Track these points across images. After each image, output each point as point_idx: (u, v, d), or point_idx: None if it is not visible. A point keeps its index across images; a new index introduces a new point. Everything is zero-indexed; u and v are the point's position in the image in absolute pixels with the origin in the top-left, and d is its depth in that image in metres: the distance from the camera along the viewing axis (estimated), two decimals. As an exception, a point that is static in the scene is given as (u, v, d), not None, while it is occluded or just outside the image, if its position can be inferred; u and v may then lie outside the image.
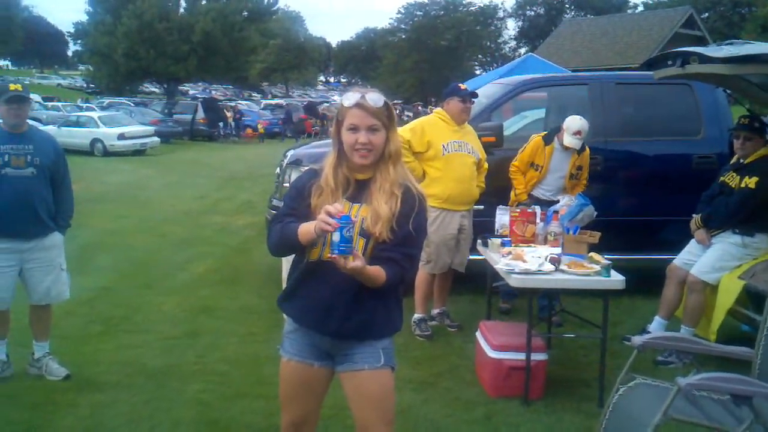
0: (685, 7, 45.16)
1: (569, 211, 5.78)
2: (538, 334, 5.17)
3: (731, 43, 5.03)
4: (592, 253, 5.05)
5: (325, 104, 44.75)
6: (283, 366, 2.98)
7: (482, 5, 73.60)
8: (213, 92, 69.51)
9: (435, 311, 6.52)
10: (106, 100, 43.89)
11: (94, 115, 28.09)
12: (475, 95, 6.37)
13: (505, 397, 4.91)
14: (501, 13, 76.45)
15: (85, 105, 39.50)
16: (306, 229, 2.68)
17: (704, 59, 4.94)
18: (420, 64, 66.34)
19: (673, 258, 5.99)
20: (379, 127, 2.72)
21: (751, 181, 5.46)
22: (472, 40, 70.67)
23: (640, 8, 66.40)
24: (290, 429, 3.04)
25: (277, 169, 8.30)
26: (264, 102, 51.68)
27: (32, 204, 4.86)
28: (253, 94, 73.97)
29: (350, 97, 2.75)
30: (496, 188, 6.63)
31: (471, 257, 6.33)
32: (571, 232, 5.42)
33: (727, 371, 3.22)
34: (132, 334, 6.26)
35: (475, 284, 6.78)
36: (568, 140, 6.37)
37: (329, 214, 2.53)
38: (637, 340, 3.64)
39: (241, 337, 6.23)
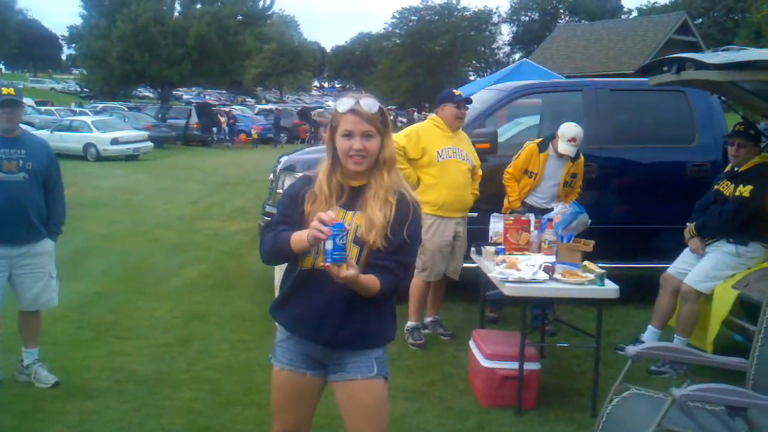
0: (679, 13, 45.33)
1: (563, 218, 5.75)
2: (531, 343, 5.14)
3: (727, 49, 5.02)
4: (586, 262, 5.02)
5: (318, 110, 44.71)
6: (275, 375, 2.95)
7: (477, 10, 73.85)
8: (207, 97, 69.44)
9: (428, 319, 6.49)
10: (100, 105, 43.82)
11: (88, 119, 28.06)
12: (470, 101, 6.36)
13: (498, 407, 4.89)
14: (495, 19, 76.57)
15: (78, 109, 39.37)
16: (298, 238, 2.64)
17: (700, 65, 4.94)
18: (414, 69, 66.38)
19: (667, 267, 5.97)
20: (373, 133, 2.69)
21: (745, 190, 5.44)
22: (467, 46, 70.74)
23: (635, 14, 66.69)
24: (282, 438, 3.00)
25: (271, 175, 8.27)
26: (258, 107, 51.63)
27: (24, 209, 4.82)
28: (248, 99, 73.91)
29: (344, 103, 2.72)
30: (491, 195, 6.61)
31: (464, 265, 6.31)
32: (565, 240, 5.39)
33: (720, 382, 3.20)
34: (123, 341, 6.22)
35: (468, 292, 6.76)
36: (563, 147, 6.35)
37: (322, 222, 2.50)
38: (631, 350, 3.62)
39: (233, 343, 6.20)
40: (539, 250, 5.35)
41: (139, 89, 63.19)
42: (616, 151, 7.41)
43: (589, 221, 6.02)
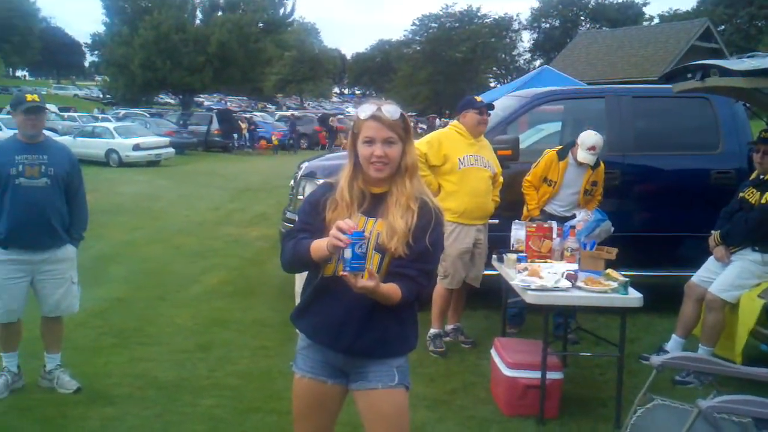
0: (701, 20, 44.98)
1: (586, 226, 5.72)
2: (553, 352, 5.10)
3: (753, 56, 4.97)
4: (609, 270, 4.98)
5: (339, 116, 44.73)
6: (296, 383, 2.93)
7: (497, 17, 73.71)
8: (228, 104, 69.82)
9: (449, 327, 6.45)
10: (122, 111, 44.16)
11: (110, 125, 28.27)
12: (492, 107, 6.33)
13: (519, 416, 4.85)
14: (516, 26, 76.53)
15: (101, 116, 39.72)
16: (318, 246, 2.63)
17: (725, 72, 4.88)
18: (435, 76, 66.44)
19: (691, 275, 5.91)
20: (395, 139, 2.67)
21: (771, 197, 5.37)
22: (487, 53, 70.71)
23: (656, 20, 66.37)
24: (304, 446, 2.98)
25: (292, 181, 8.28)
26: (278, 114, 51.84)
27: (46, 215, 4.84)
28: (268, 106, 74.20)
29: (366, 109, 2.70)
30: (512, 202, 6.58)
31: (486, 272, 6.27)
32: (587, 247, 5.35)
33: (746, 393, 3.15)
34: (144, 347, 6.23)
35: (489, 300, 6.72)
36: (583, 156, 6.31)
37: (341, 230, 2.49)
38: (656, 360, 3.57)
39: (254, 350, 6.20)
40: (561, 257, 5.32)
41: (160, 96, 63.77)
42: (639, 158, 7.35)
43: (612, 229, 5.98)
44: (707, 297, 5.56)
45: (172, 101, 66.75)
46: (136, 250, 10.70)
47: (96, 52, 57.28)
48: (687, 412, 3.28)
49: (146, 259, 10.04)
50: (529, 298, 4.67)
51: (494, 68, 75.07)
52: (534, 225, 5.59)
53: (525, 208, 6.66)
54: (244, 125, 37.64)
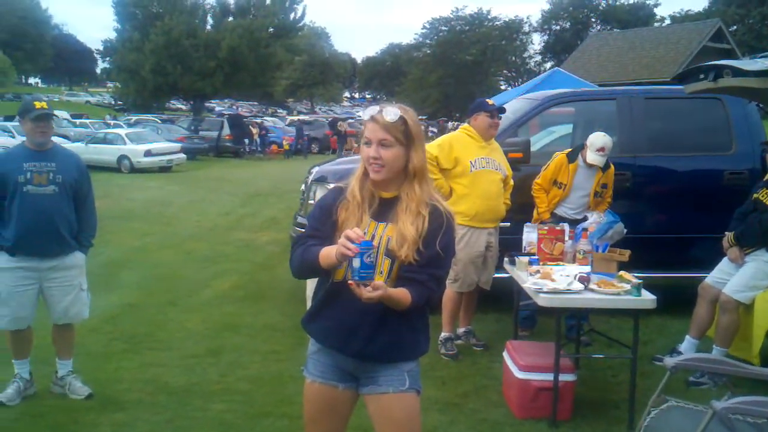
0: (713, 20, 44.78)
1: (598, 228, 5.68)
2: (566, 354, 5.07)
3: (766, 56, 4.93)
4: (622, 272, 4.94)
5: (350, 120, 44.75)
6: (306, 387, 2.92)
7: (507, 20, 73.50)
8: (239, 109, 69.95)
9: (461, 330, 6.43)
10: (134, 117, 44.33)
11: (121, 132, 28.32)
12: (503, 110, 6.31)
13: (532, 419, 4.82)
14: (526, 28, 76.31)
15: (112, 122, 39.88)
16: (327, 254, 2.63)
17: (738, 72, 4.84)
18: (445, 79, 66.40)
19: (705, 276, 5.87)
20: (391, 142, 2.66)
21: (785, 198, 5.33)
22: (498, 55, 70.59)
23: (667, 21, 66.11)
24: (315, 451, 2.97)
25: (302, 186, 8.28)
26: (289, 118, 51.91)
27: (53, 222, 4.84)
28: (279, 111, 74.34)
29: (368, 111, 2.74)
30: (524, 205, 6.55)
31: (497, 275, 6.25)
32: (600, 249, 5.32)
33: (761, 393, 3.12)
34: (155, 352, 6.23)
35: (501, 303, 6.69)
36: (592, 157, 6.28)
37: (350, 239, 2.48)
38: (670, 361, 3.53)
39: (265, 355, 6.19)
40: (574, 260, 5.29)
41: (172, 101, 63.98)
42: (651, 159, 7.30)
43: (625, 230, 5.94)
44: (721, 298, 5.53)
45: (183, 107, 66.99)
46: (148, 255, 10.72)
47: (107, 59, 57.45)
48: (701, 413, 3.25)
49: (157, 264, 10.06)
50: (542, 300, 4.64)
51: (505, 71, 74.92)
52: (546, 228, 5.56)
53: (535, 211, 6.63)
54: (255, 130, 37.72)
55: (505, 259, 5.71)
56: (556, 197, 6.51)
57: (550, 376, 4.75)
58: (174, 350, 6.28)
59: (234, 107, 73.14)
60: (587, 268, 5.00)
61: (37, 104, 4.81)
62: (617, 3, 73.06)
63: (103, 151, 26.22)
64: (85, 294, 5.16)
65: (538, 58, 77.90)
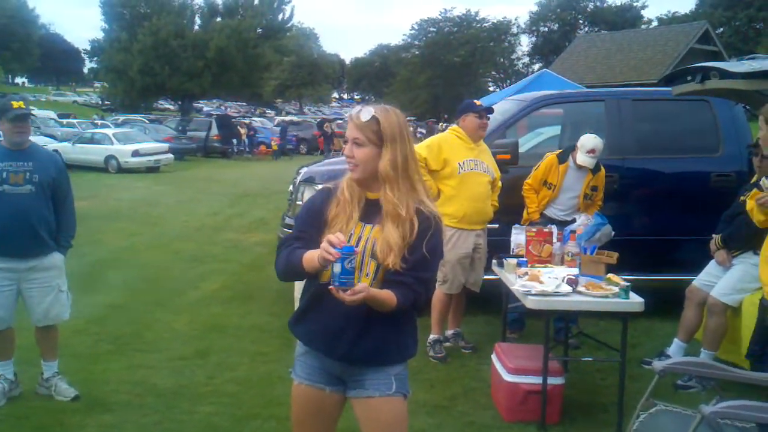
0: (700, 23, 45.04)
1: (586, 230, 5.68)
2: (554, 357, 5.07)
3: (753, 58, 4.94)
4: (610, 274, 4.94)
5: (338, 121, 44.71)
6: (294, 389, 2.91)
7: (496, 21, 73.57)
8: (227, 109, 69.74)
9: (449, 332, 6.42)
10: (121, 117, 44.12)
11: (109, 132, 28.19)
12: (491, 111, 6.30)
13: (520, 422, 4.82)
14: (515, 29, 76.37)
15: (99, 122, 39.68)
16: (310, 257, 2.62)
17: (725, 74, 4.86)
18: (433, 81, 66.38)
19: (693, 279, 5.88)
20: (363, 141, 2.67)
21: (772, 201, 5.33)
22: (486, 57, 70.62)
23: (655, 24, 66.35)
24: (303, 453, 2.95)
25: (290, 187, 8.25)
26: (278, 119, 51.80)
27: (30, 222, 4.78)
28: (267, 111, 74.14)
29: (351, 110, 2.77)
30: (511, 206, 6.55)
31: (486, 277, 6.24)
32: (588, 252, 5.32)
33: (750, 398, 3.12)
34: (142, 353, 6.20)
35: (490, 305, 6.68)
36: (582, 159, 6.29)
37: (331, 244, 2.48)
38: (659, 365, 3.53)
39: (253, 356, 6.16)
40: (562, 262, 5.30)
41: (159, 102, 63.66)
42: (639, 162, 7.32)
43: (613, 233, 5.94)
44: (709, 301, 5.54)
45: (171, 107, 66.68)
46: (135, 255, 10.67)
47: (95, 59, 57.10)
48: (690, 417, 3.25)
49: (144, 264, 10.01)
50: (530, 303, 4.63)
51: (493, 72, 75.01)
52: (534, 229, 5.55)
53: (525, 212, 6.63)
54: (243, 131, 37.67)
55: (494, 261, 5.70)
56: (546, 198, 6.52)
57: (538, 379, 4.74)
58: (161, 351, 6.25)
59: (222, 108, 72.93)
60: (575, 271, 5.00)
61: (15, 104, 4.76)
62: (605, 5, 73.26)
63: (91, 151, 26.11)
64: (64, 295, 5.10)
65: (526, 59, 78.06)
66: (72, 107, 63.63)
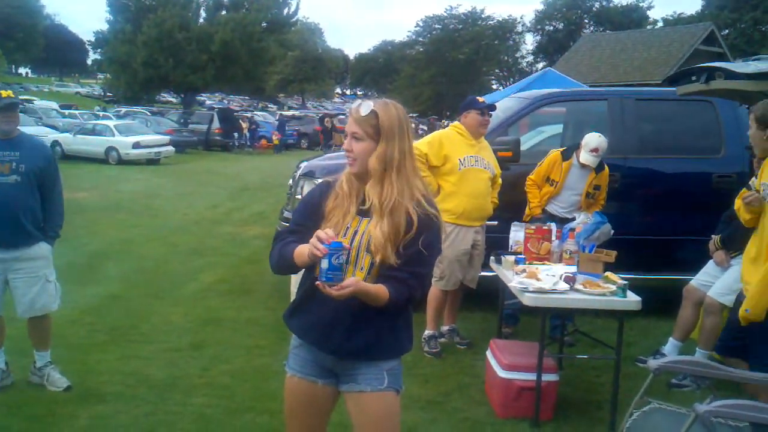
0: (705, 24, 44.91)
1: (585, 228, 5.65)
2: (549, 354, 5.05)
3: (759, 59, 4.92)
4: (608, 273, 4.93)
5: (340, 116, 44.71)
6: (287, 382, 2.90)
7: (501, 19, 73.39)
8: (230, 103, 69.76)
9: (445, 328, 6.40)
10: (123, 109, 44.13)
11: (110, 123, 28.17)
12: (493, 108, 6.28)
13: (514, 418, 4.80)
14: (520, 28, 76.23)
15: (101, 113, 39.68)
16: (301, 252, 2.62)
17: (730, 75, 4.83)
18: (437, 78, 66.33)
19: (690, 278, 5.86)
20: (361, 136, 2.66)
21: (772, 202, 5.30)
22: (490, 54, 70.51)
23: (660, 24, 66.22)
24: (295, 446, 2.94)
25: (290, 181, 8.23)
26: (279, 113, 51.85)
27: (15, 212, 4.73)
28: (270, 105, 74.15)
29: (353, 104, 2.75)
30: (511, 204, 6.53)
31: (483, 273, 6.23)
32: (586, 250, 5.30)
33: (744, 397, 3.10)
34: (137, 344, 6.18)
35: (486, 301, 6.66)
36: (585, 157, 6.27)
37: (320, 240, 2.47)
38: (653, 363, 3.51)
39: (248, 349, 6.15)
40: (560, 260, 5.27)
41: (162, 94, 63.77)
42: (640, 161, 7.29)
43: (612, 231, 5.92)
44: (706, 301, 5.53)
45: (173, 100, 66.78)
46: (133, 247, 10.65)
47: (99, 50, 57.24)
48: (684, 416, 3.23)
49: (143, 256, 10.00)
50: (527, 300, 4.61)
51: (497, 70, 74.92)
52: (533, 227, 5.53)
53: (527, 207, 6.62)
54: (244, 124, 37.64)
55: (492, 257, 5.68)
56: (547, 194, 6.51)
57: (533, 376, 4.72)
58: (156, 343, 6.23)
59: (225, 101, 72.95)
60: (573, 269, 4.98)
61: (3, 93, 4.72)
62: (610, 5, 73.14)
63: (92, 142, 26.09)
64: (52, 285, 5.05)
65: (531, 58, 77.95)
66: (75, 98, 63.74)
